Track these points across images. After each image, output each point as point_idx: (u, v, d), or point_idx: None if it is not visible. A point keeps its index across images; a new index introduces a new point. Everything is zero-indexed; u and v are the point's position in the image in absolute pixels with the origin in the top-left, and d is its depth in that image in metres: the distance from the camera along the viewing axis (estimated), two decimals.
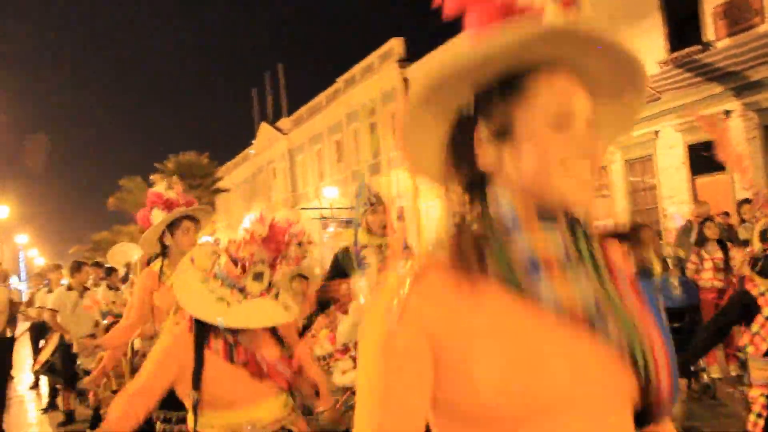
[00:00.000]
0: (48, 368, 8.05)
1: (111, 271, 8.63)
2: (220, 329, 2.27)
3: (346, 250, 4.55)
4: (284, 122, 38.27)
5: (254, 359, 2.30)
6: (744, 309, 3.68)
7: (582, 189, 0.97)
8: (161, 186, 3.90)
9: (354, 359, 4.08)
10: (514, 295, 0.96)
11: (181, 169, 38.03)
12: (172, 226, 3.84)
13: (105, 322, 5.08)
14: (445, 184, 1.06)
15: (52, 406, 8.51)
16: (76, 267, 7.82)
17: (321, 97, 34.43)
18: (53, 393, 8.59)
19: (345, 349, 4.22)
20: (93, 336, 7.28)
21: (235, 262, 2.29)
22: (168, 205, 3.84)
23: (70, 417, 7.43)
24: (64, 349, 7.47)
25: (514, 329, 0.94)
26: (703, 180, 15.67)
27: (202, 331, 2.28)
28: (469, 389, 0.93)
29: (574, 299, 0.96)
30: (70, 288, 7.71)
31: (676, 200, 16.18)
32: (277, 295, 2.32)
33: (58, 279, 9.04)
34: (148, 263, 4.08)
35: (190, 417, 2.33)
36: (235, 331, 2.28)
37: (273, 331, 2.38)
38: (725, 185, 14.24)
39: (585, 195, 0.97)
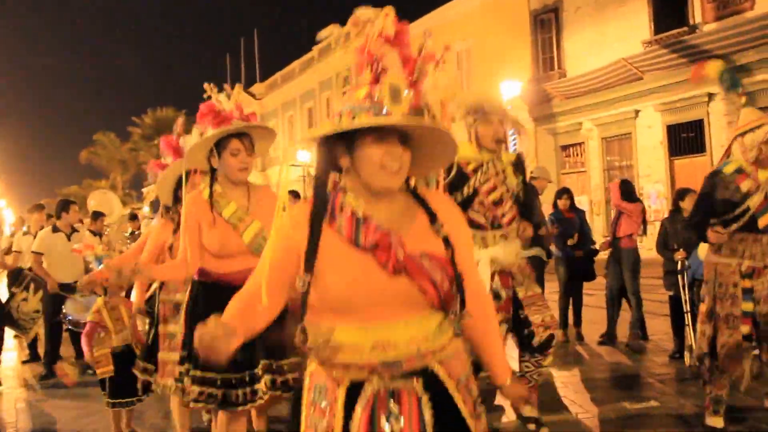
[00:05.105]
0: (6, 317, 6.89)
1: (98, 215, 7.57)
2: (347, 203, 1.54)
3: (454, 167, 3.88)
4: (257, 87, 36.92)
5: (387, 241, 1.48)
6: None
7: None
8: (217, 96, 3.04)
9: None
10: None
11: (159, 125, 36.27)
12: (219, 145, 2.97)
13: (100, 268, 4.15)
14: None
15: (33, 358, 7.37)
16: (64, 206, 6.64)
17: (295, 65, 33.23)
18: (33, 343, 7.45)
19: None
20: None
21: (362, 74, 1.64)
22: (220, 121, 2.97)
23: (51, 371, 6.37)
24: (48, 297, 6.39)
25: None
26: (680, 161, 15.25)
27: (324, 200, 1.58)
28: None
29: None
30: (56, 229, 6.56)
31: (652, 179, 15.71)
32: None
33: (38, 221, 7.83)
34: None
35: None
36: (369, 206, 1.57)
37: (436, 231, 1.56)
38: (702, 167, 13.79)
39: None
